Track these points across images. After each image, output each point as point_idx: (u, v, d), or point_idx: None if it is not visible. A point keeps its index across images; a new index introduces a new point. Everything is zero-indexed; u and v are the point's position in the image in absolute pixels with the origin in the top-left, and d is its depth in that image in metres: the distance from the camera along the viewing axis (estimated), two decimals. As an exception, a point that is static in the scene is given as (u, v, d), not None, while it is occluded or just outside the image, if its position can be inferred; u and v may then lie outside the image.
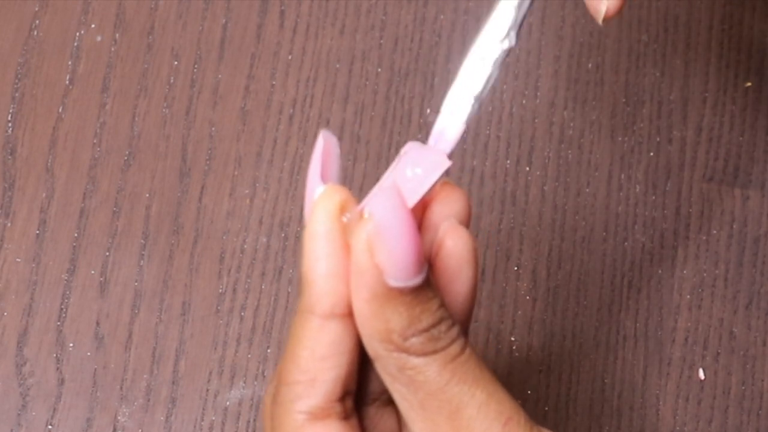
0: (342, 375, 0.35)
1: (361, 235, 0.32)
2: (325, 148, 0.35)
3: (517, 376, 0.55)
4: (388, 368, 0.34)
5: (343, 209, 0.34)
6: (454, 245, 0.35)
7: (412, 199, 0.35)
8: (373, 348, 0.34)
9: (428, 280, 0.33)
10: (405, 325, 0.33)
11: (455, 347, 0.34)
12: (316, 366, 0.34)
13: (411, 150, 0.36)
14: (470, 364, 0.34)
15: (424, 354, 0.33)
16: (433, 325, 0.33)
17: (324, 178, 0.35)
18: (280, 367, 0.36)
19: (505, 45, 0.36)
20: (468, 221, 0.37)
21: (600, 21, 0.42)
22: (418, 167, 0.35)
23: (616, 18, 0.43)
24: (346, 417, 0.35)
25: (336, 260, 0.33)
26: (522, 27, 0.37)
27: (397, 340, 0.33)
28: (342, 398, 0.35)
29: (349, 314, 0.34)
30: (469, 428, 0.34)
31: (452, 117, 0.36)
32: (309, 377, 0.34)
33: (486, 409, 0.34)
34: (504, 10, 0.37)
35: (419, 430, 0.34)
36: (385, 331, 0.33)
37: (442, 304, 0.34)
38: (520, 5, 0.37)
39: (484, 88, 0.36)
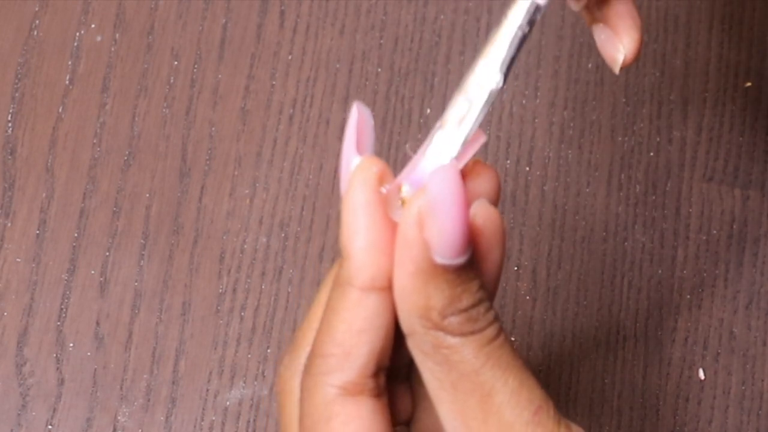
0: (377, 350, 0.34)
1: (412, 209, 0.32)
2: (359, 119, 0.35)
3: (517, 376, 0.55)
4: (422, 345, 0.34)
5: (381, 180, 0.33)
6: (485, 225, 0.35)
7: None
8: (409, 323, 0.33)
9: (471, 261, 0.33)
10: (445, 303, 0.33)
11: (492, 330, 0.33)
12: (352, 339, 0.34)
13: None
14: (504, 350, 0.34)
15: (462, 334, 0.33)
16: (473, 306, 0.33)
17: (360, 150, 0.34)
18: (304, 336, 0.35)
19: (492, 86, 0.36)
20: (497, 201, 0.36)
21: (617, 70, 0.42)
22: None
23: (632, 65, 0.43)
24: (378, 394, 0.34)
25: (375, 232, 0.33)
26: (511, 67, 0.36)
27: (435, 318, 0.33)
28: (375, 374, 0.34)
29: (389, 288, 0.33)
30: (500, 414, 0.33)
31: (437, 160, 0.35)
32: (344, 350, 0.34)
33: (517, 397, 0.33)
34: (494, 49, 0.36)
35: (447, 411, 0.34)
36: (424, 308, 0.33)
37: (482, 286, 0.34)
38: (510, 45, 0.36)
39: (471, 130, 0.35)
